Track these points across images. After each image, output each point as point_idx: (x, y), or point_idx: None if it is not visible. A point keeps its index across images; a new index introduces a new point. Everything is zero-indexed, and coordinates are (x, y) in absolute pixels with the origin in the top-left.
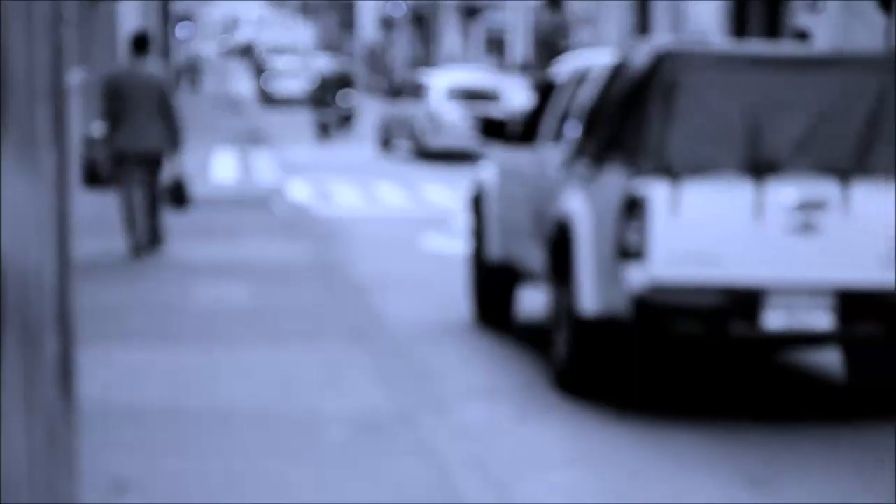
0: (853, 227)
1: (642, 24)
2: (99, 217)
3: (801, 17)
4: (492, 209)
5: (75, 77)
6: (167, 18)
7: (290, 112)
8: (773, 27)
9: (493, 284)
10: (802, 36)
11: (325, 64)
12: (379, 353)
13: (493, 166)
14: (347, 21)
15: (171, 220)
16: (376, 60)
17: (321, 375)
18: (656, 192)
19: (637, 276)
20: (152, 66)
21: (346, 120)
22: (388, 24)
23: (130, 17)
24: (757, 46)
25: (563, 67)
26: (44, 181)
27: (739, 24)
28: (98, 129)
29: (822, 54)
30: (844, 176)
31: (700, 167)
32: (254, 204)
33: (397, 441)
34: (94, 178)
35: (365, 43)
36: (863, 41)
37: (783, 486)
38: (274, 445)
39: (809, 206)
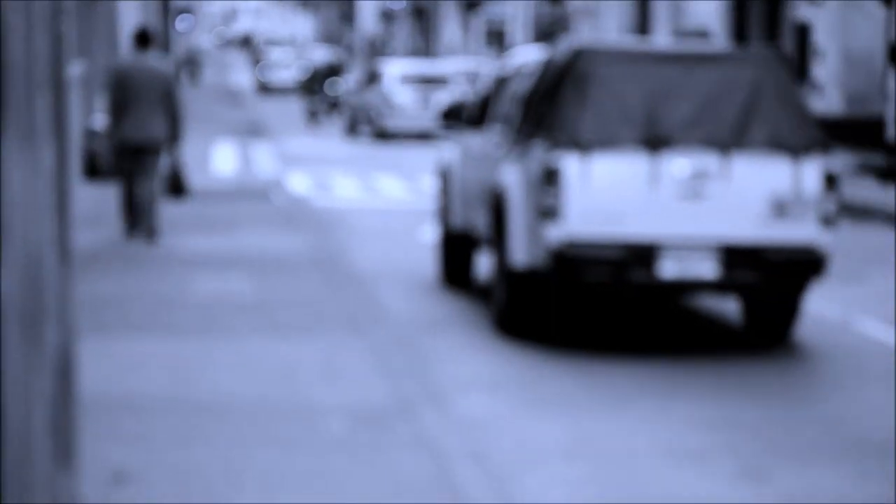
0: (733, 191)
1: (642, 18)
2: (99, 209)
3: (800, 11)
4: (453, 185)
5: (76, 69)
6: (167, 10)
7: (283, 100)
8: (772, 21)
9: (455, 250)
10: (703, 34)
11: (315, 55)
12: (378, 343)
13: (455, 147)
14: (348, 14)
15: (172, 212)
16: (376, 53)
17: (320, 366)
18: (569, 164)
19: (554, 234)
20: (155, 59)
21: (333, 107)
22: (388, 16)
23: (131, 8)
24: (656, 44)
25: (509, 62)
26: (44, 172)
27: (739, 19)
28: (99, 120)
29: (709, 51)
30: (726, 149)
31: (606, 142)
32: (253, 196)
33: (396, 432)
34: (94, 170)
35: (365, 35)
36: (863, 34)
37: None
38: (273, 437)
39: (697, 175)
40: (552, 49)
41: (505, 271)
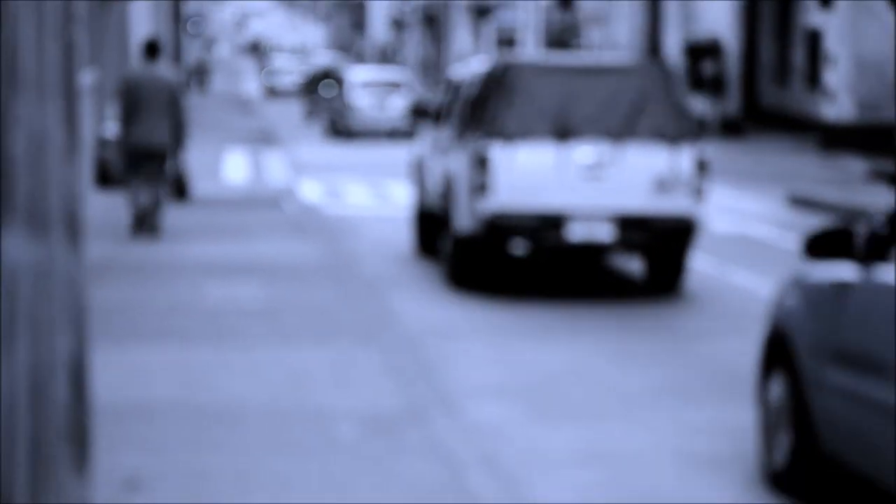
0: (625, 172)
1: (652, 24)
2: (111, 217)
3: (812, 17)
4: (424, 172)
5: (87, 77)
6: (178, 18)
7: (287, 103)
8: (783, 27)
9: (426, 227)
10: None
11: (319, 61)
12: (389, 350)
13: (425, 141)
14: (359, 22)
15: (183, 219)
16: (387, 61)
17: (332, 373)
18: (496, 151)
19: (484, 206)
20: (164, 69)
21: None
22: (398, 24)
23: (142, 17)
24: (567, 58)
25: (462, 70)
26: (54, 182)
27: (750, 25)
28: (111, 129)
29: (607, 64)
30: (619, 139)
31: (525, 134)
32: (264, 203)
33: (408, 438)
34: (105, 178)
35: (376, 43)
36: (875, 40)
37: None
38: (285, 443)
39: (596, 159)
40: (489, 63)
41: (451, 237)
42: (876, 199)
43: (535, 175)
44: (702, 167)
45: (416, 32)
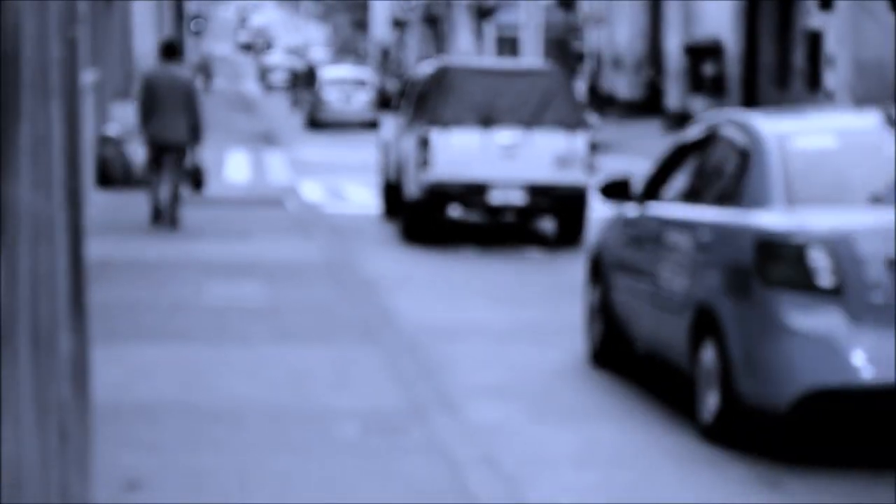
0: (533, 152)
1: (653, 25)
2: (111, 216)
3: (812, 19)
4: (386, 151)
5: (89, 76)
6: (181, 17)
7: (277, 95)
8: (784, 29)
9: (391, 196)
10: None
11: (307, 60)
12: (390, 350)
13: (389, 126)
14: (362, 22)
15: (186, 218)
16: (388, 60)
17: (333, 373)
18: (434, 134)
19: (426, 177)
20: (181, 68)
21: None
22: (399, 24)
23: (145, 16)
24: (491, 63)
25: (416, 71)
26: (56, 180)
27: (751, 27)
28: (113, 129)
29: (522, 67)
30: (529, 126)
31: (458, 122)
32: (266, 203)
33: (408, 438)
34: (106, 178)
35: (378, 43)
36: (875, 42)
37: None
38: (286, 442)
39: (511, 141)
40: (433, 66)
41: (403, 202)
42: None
43: (465, 153)
44: (593, 148)
45: (417, 32)
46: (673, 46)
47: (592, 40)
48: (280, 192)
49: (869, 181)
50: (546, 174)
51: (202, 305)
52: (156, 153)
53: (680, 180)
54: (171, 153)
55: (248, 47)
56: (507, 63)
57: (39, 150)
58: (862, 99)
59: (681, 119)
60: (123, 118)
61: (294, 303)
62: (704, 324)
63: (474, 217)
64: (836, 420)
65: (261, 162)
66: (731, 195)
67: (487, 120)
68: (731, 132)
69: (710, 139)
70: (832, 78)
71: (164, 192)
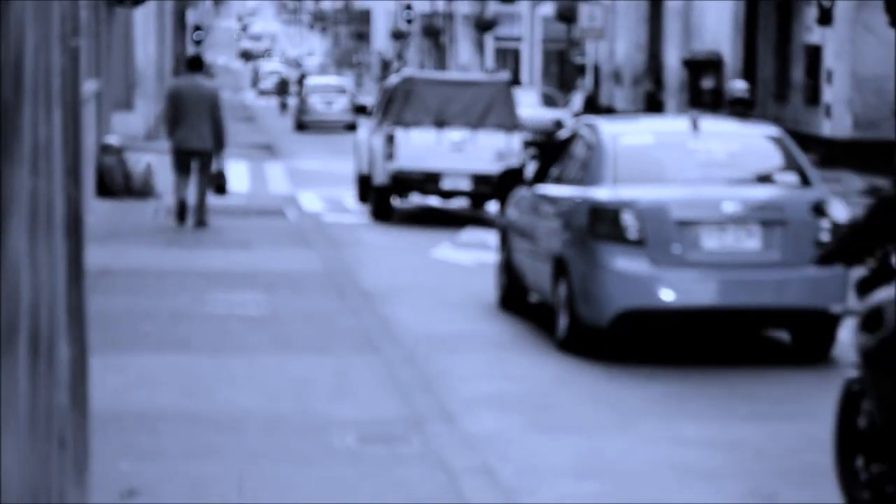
0: (478, 148)
1: (653, 38)
2: (111, 225)
3: (811, 33)
4: (360, 148)
5: (90, 85)
6: (183, 28)
7: (268, 99)
8: (783, 43)
9: (363, 184)
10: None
11: (301, 69)
12: (389, 360)
13: (364, 129)
14: (363, 33)
15: (187, 227)
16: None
17: (332, 382)
18: (398, 133)
19: (391, 167)
20: (203, 80)
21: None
22: (400, 36)
23: (146, 26)
24: (445, 75)
25: (388, 82)
26: (57, 188)
27: (749, 41)
28: (114, 138)
29: (471, 78)
30: (475, 127)
31: (417, 123)
32: (266, 213)
33: (406, 448)
34: (106, 188)
35: (379, 54)
36: (873, 57)
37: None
38: (285, 451)
39: (460, 139)
40: (398, 77)
41: (372, 187)
42: None
43: (422, 148)
44: (526, 145)
45: (417, 44)
46: (672, 60)
47: (591, 53)
48: (280, 201)
49: (675, 167)
50: (488, 166)
51: (202, 314)
52: (182, 159)
53: (554, 168)
54: (196, 159)
55: (247, 55)
56: (458, 75)
57: (40, 159)
58: (860, 113)
59: None
60: (124, 128)
61: (294, 311)
62: (560, 268)
63: (431, 201)
64: (645, 332)
65: (261, 172)
66: (581, 177)
67: (441, 122)
68: (585, 132)
69: (573, 137)
70: (830, 92)
71: (191, 195)
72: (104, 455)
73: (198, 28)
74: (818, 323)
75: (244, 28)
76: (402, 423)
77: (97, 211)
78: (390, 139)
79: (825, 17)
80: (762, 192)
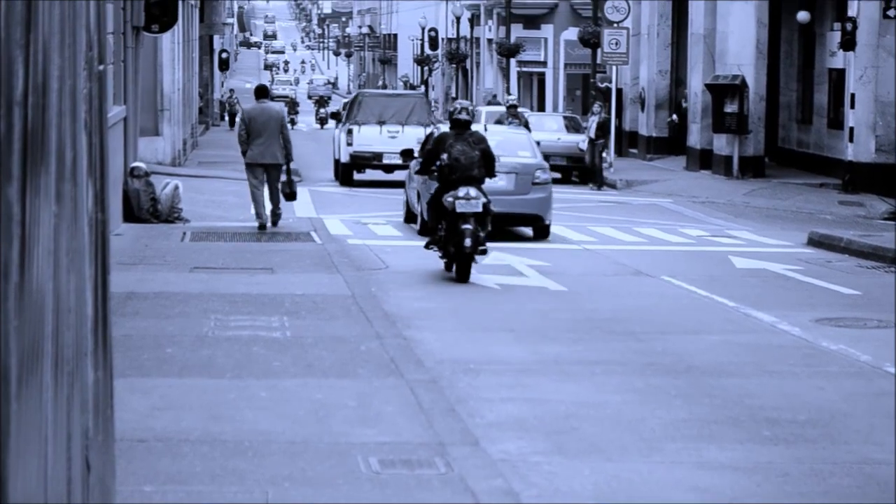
0: (406, 137)
1: (675, 63)
2: (137, 250)
3: (834, 58)
4: (333, 141)
5: (118, 111)
6: (211, 54)
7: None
8: (806, 67)
9: (336, 166)
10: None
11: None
12: (413, 384)
13: (335, 128)
14: (389, 59)
15: (208, 251)
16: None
17: (355, 406)
18: (354, 129)
19: (350, 150)
20: (272, 104)
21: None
22: (424, 62)
23: (173, 52)
24: (387, 91)
25: (353, 96)
26: (83, 213)
27: (773, 65)
28: (140, 163)
29: (403, 93)
30: (404, 124)
31: (366, 122)
32: (290, 235)
33: (430, 471)
34: (132, 212)
35: (404, 78)
36: (892, 77)
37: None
38: (308, 475)
39: (394, 131)
40: (355, 93)
41: (338, 164)
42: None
43: (370, 138)
44: (429, 137)
45: (442, 69)
46: (695, 84)
47: (615, 78)
48: (306, 223)
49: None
50: (413, 147)
51: (226, 337)
52: (256, 172)
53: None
54: (268, 171)
55: (268, 68)
56: (392, 91)
57: (66, 184)
58: (883, 136)
59: (704, 156)
60: (152, 154)
61: (318, 335)
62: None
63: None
64: None
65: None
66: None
67: (382, 120)
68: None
69: (431, 134)
70: (853, 116)
71: (267, 205)
72: (129, 478)
73: (224, 53)
74: (536, 223)
75: (266, 59)
76: (425, 447)
77: (123, 235)
78: (350, 132)
79: (848, 42)
80: (514, 160)
